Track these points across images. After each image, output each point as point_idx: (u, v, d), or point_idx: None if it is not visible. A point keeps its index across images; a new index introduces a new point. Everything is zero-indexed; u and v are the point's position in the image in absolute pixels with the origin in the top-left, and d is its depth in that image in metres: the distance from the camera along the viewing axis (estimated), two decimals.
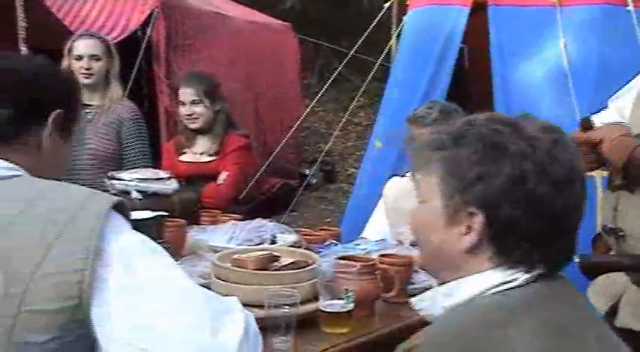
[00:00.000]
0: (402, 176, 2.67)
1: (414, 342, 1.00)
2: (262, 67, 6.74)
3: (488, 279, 1.02)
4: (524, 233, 1.00)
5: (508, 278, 1.02)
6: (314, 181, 7.40)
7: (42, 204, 1.04)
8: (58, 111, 1.21)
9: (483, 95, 4.20)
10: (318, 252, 2.06)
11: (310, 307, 1.68)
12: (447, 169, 1.03)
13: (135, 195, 2.41)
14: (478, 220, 1.01)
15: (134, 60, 4.77)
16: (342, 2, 10.24)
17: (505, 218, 1.00)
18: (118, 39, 4.70)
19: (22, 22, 3.77)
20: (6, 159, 1.14)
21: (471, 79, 5.10)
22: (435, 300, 1.08)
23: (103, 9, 5.27)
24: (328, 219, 6.21)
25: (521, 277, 1.02)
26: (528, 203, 0.99)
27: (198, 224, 2.46)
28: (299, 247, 2.12)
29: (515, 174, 0.99)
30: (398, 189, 2.66)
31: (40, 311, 0.98)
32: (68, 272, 0.98)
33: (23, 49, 3.77)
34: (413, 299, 1.13)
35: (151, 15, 5.09)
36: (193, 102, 3.05)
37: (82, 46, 2.97)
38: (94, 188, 1.16)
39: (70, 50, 2.99)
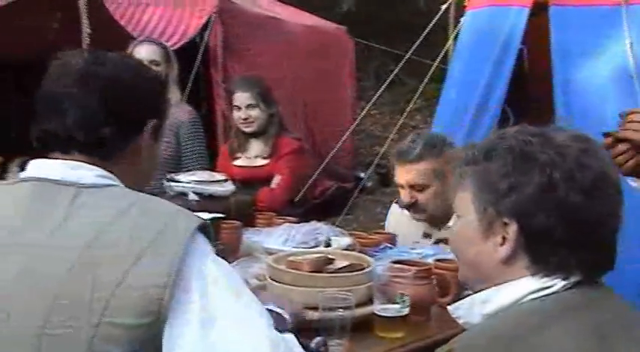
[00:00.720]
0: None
1: (451, 346, 1.01)
2: (317, 70, 6.76)
3: (524, 286, 1.03)
4: (558, 241, 1.01)
5: (545, 285, 1.02)
6: (369, 184, 7.36)
7: (133, 216, 1.07)
8: (154, 121, 1.25)
9: (543, 97, 4.11)
10: (372, 256, 2.04)
11: (365, 310, 1.66)
12: (480, 183, 1.05)
13: (192, 196, 2.45)
14: (512, 230, 1.02)
15: (192, 64, 4.85)
16: (398, 4, 10.18)
17: (538, 226, 1.01)
18: (177, 45, 4.80)
19: (86, 29, 3.88)
20: (102, 168, 1.16)
21: (530, 81, 4.98)
22: (472, 308, 1.08)
23: (163, 16, 5.39)
24: (383, 223, 6.16)
25: (559, 284, 1.02)
26: (560, 211, 1.00)
27: (253, 226, 2.47)
28: (353, 250, 2.10)
29: (545, 182, 1.00)
30: (396, 215, 2.63)
31: (120, 325, 1.00)
32: (151, 287, 1.01)
33: None
34: (450, 307, 1.14)
35: (208, 21, 5.17)
36: (249, 106, 3.08)
37: (143, 52, 3.04)
38: (152, 190, 1.18)
39: (130, 55, 3.06)
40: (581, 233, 1.01)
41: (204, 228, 1.11)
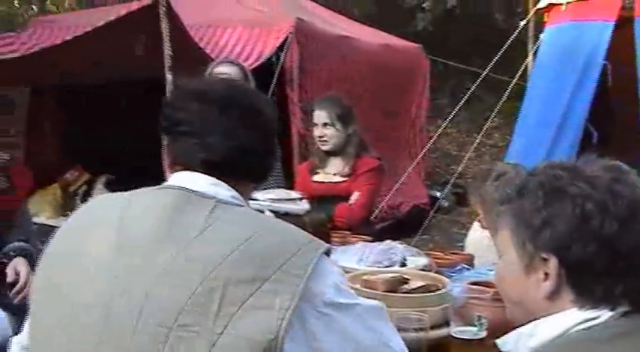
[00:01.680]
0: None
1: None
2: (393, 89, 6.74)
3: (571, 318, 1.02)
4: (600, 271, 1.01)
5: (591, 316, 1.01)
6: (445, 204, 7.25)
7: (264, 236, 1.12)
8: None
9: (628, 112, 3.95)
10: (449, 276, 2.00)
11: (441, 332, 1.63)
12: (516, 220, 1.07)
13: (268, 214, 2.47)
14: (552, 265, 1.03)
15: (268, 84, 4.93)
16: (474, 21, 10.07)
17: (577, 258, 1.02)
18: (254, 65, 4.89)
19: (168, 51, 4.02)
20: (235, 189, 1.22)
21: (614, 96, 4.80)
22: (519, 341, 1.08)
23: (241, 37, 5.52)
24: (460, 243, 6.04)
25: (606, 314, 1.01)
26: (597, 241, 1.01)
27: (329, 244, 2.47)
28: (429, 270, 2.07)
29: (578, 214, 1.01)
30: (476, 234, 2.56)
31: (241, 337, 1.04)
32: (274, 309, 1.04)
33: (168, 76, 4.02)
34: (498, 341, 1.15)
35: (284, 41, 5.26)
36: (325, 125, 3.10)
37: (221, 73, 3.11)
38: None
39: (209, 76, 3.14)
40: (622, 261, 1.01)
41: (328, 252, 1.16)
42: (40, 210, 6.01)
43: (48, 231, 1.29)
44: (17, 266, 2.36)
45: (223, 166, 1.22)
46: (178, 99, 1.27)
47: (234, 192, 1.22)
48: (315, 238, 1.17)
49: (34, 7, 12.02)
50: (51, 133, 6.73)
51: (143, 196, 1.21)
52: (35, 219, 5.94)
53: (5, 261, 2.41)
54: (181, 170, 1.23)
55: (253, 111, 1.26)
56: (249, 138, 1.23)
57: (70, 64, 5.15)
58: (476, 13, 9.98)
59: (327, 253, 1.16)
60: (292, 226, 1.21)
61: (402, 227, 5.75)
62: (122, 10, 4.78)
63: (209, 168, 1.22)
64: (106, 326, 1.10)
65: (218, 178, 1.22)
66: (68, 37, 5.03)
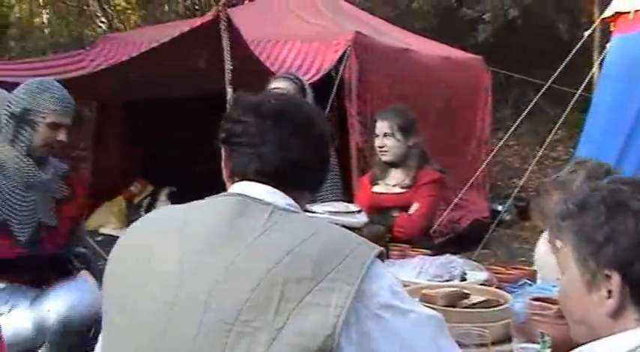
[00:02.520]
0: None
1: None
2: (453, 101, 6.67)
3: (634, 337, 0.99)
4: None
5: None
6: (507, 218, 7.10)
7: (320, 239, 1.15)
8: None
9: None
10: (510, 292, 1.96)
11: (503, 349, 1.59)
12: (577, 236, 1.06)
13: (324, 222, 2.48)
14: (615, 281, 1.01)
15: (328, 97, 4.96)
16: (537, 32, 9.88)
17: None
18: (314, 79, 4.93)
19: (228, 66, 4.10)
20: (291, 198, 1.27)
21: None
22: None
23: (300, 51, 5.57)
24: (522, 258, 5.90)
25: None
26: None
27: (387, 257, 2.45)
28: (490, 285, 2.03)
29: None
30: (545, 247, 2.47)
31: (299, 333, 1.07)
32: (330, 306, 1.07)
33: (229, 90, 4.09)
34: None
35: (343, 54, 5.28)
36: (385, 135, 3.10)
37: (277, 88, 3.14)
38: None
39: (267, 90, 3.19)
40: None
41: (381, 255, 1.17)
42: (106, 221, 6.21)
43: (113, 241, 1.35)
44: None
45: (277, 176, 1.26)
46: (235, 112, 1.32)
47: (290, 200, 1.26)
48: (368, 241, 1.19)
49: (102, 25, 12.48)
50: (116, 147, 6.95)
51: (204, 204, 1.27)
52: (101, 230, 6.14)
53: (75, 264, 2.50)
54: (239, 181, 1.29)
55: (306, 124, 1.30)
56: (302, 150, 1.27)
57: (135, 79, 5.31)
58: (538, 24, 9.78)
59: (381, 257, 1.17)
60: (346, 230, 1.24)
61: (463, 241, 5.66)
62: (185, 26, 4.91)
63: (263, 177, 1.26)
64: (170, 324, 1.15)
65: (274, 187, 1.26)
66: (134, 54, 5.20)
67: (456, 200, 5.41)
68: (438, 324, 1.19)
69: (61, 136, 2.41)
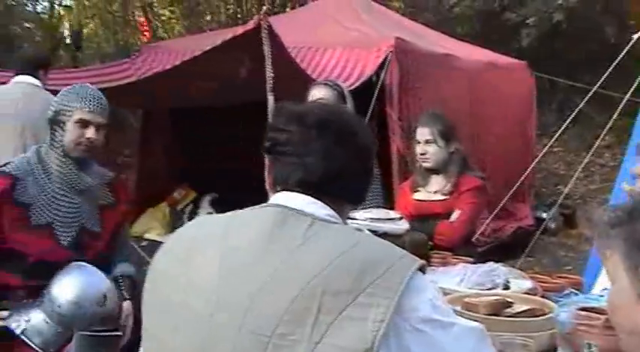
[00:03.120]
0: None
1: None
2: (496, 106, 6.58)
3: None
4: None
5: None
6: (552, 225, 6.97)
7: (360, 251, 1.14)
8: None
9: None
10: (555, 301, 1.91)
11: None
12: (627, 244, 1.02)
13: (366, 233, 2.47)
14: None
15: (369, 103, 4.95)
16: (582, 36, 9.68)
17: None
18: (355, 85, 4.93)
19: (269, 73, 4.13)
20: (331, 209, 1.27)
21: None
22: None
23: (341, 58, 5.58)
24: (568, 267, 5.78)
25: None
26: None
27: (428, 265, 2.43)
28: (534, 294, 1.99)
29: None
30: None
31: (337, 346, 1.06)
32: (369, 320, 1.06)
33: (270, 98, 4.12)
34: None
35: (384, 60, 5.27)
36: (427, 142, 3.08)
37: (317, 94, 3.15)
38: None
39: (307, 98, 3.19)
40: None
41: (422, 268, 1.16)
42: (150, 227, 6.30)
43: (157, 246, 1.37)
44: (125, 312, 2.48)
45: (320, 186, 1.26)
46: (279, 121, 1.32)
47: (330, 211, 1.26)
48: (409, 254, 1.18)
49: (146, 34, 12.72)
50: (160, 154, 7.06)
51: (244, 214, 1.27)
52: (146, 235, 6.24)
53: (116, 285, 2.52)
54: (281, 190, 1.29)
55: (350, 134, 1.30)
56: (345, 160, 1.27)
57: (179, 87, 5.40)
58: (584, 27, 9.58)
59: (422, 270, 1.16)
60: (387, 242, 1.23)
61: (506, 249, 5.57)
62: (227, 34, 4.96)
63: (306, 187, 1.26)
64: (209, 335, 1.15)
65: (315, 198, 1.25)
66: (177, 62, 5.29)
67: (499, 207, 5.32)
68: (481, 336, 1.18)
69: (90, 133, 2.40)
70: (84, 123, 2.40)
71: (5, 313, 2.31)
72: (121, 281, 2.56)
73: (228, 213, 1.30)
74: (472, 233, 3.13)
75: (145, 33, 12.28)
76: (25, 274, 2.38)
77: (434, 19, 10.04)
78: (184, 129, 6.93)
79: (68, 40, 11.85)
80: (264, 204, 1.28)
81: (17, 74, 4.39)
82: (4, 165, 2.49)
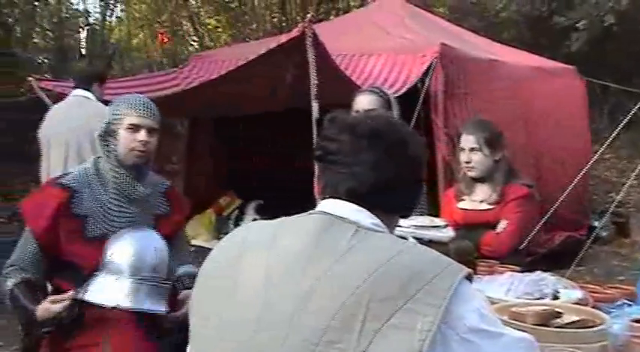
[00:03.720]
0: None
1: None
2: (544, 112, 6.45)
3: None
4: None
5: None
6: (604, 234, 6.78)
7: (406, 259, 1.14)
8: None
9: None
10: (607, 312, 1.86)
11: None
12: None
13: (411, 241, 2.44)
14: None
15: (414, 109, 4.91)
16: (635, 40, 9.42)
17: None
18: (400, 92, 4.90)
19: (314, 80, 4.14)
20: (378, 218, 1.27)
21: None
22: None
23: (386, 64, 5.56)
24: (621, 277, 5.61)
25: None
26: None
27: (474, 274, 2.39)
28: (585, 305, 1.94)
29: None
30: None
31: None
32: (416, 328, 1.06)
33: (315, 105, 4.13)
34: None
35: (429, 66, 5.22)
36: (472, 150, 3.02)
37: (363, 101, 3.13)
38: None
39: (352, 105, 3.18)
40: None
41: (469, 277, 1.15)
42: (197, 233, 6.38)
43: (204, 252, 1.39)
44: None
45: (369, 196, 1.26)
46: (331, 131, 1.33)
47: (376, 220, 1.26)
48: (455, 263, 1.17)
49: (194, 43, 12.95)
50: (207, 161, 7.16)
51: (290, 221, 1.29)
52: (193, 242, 6.32)
53: (178, 285, 2.54)
54: (329, 197, 1.30)
55: (400, 145, 1.30)
56: (395, 171, 1.28)
57: (225, 96, 5.47)
58: (636, 30, 9.33)
59: (469, 278, 1.15)
60: (433, 250, 1.22)
61: (555, 258, 5.44)
62: (272, 42, 5.00)
63: (355, 197, 1.26)
64: (255, 342, 1.16)
65: (363, 207, 1.26)
66: (223, 72, 5.35)
67: (548, 215, 5.21)
68: (530, 347, 1.15)
69: (141, 136, 2.42)
70: (135, 128, 2.42)
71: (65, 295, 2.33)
72: (184, 279, 2.55)
73: (275, 220, 1.31)
74: (520, 243, 3.05)
75: (165, 42, 12.45)
76: (78, 285, 2.39)
77: (479, 24, 9.93)
78: (229, 136, 7.01)
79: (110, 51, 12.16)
80: (311, 211, 1.29)
81: (74, 87, 4.65)
82: (65, 175, 2.53)
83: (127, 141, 2.43)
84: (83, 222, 2.41)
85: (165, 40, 12.39)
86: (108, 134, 2.47)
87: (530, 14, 9.94)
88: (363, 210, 1.25)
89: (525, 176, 3.35)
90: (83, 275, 2.39)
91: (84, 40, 13.00)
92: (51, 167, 4.56)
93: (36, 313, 2.31)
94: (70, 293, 2.30)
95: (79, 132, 4.40)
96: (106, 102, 4.50)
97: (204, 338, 1.27)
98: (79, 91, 4.60)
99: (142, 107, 2.44)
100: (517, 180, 3.07)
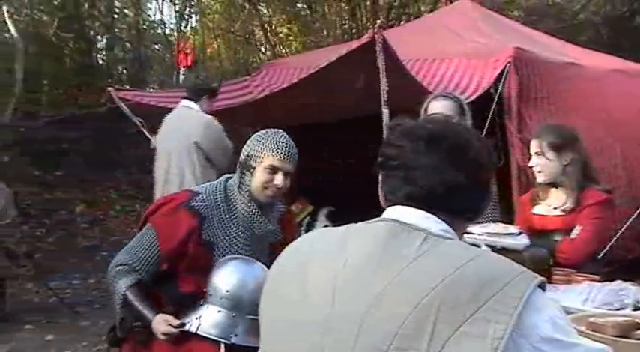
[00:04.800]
0: None
1: None
2: (629, 116, 6.19)
3: None
4: None
5: None
6: None
7: (477, 266, 1.13)
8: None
9: None
10: None
11: None
12: None
13: (484, 248, 2.40)
14: None
15: (487, 114, 4.83)
16: None
17: None
18: (473, 97, 4.83)
19: (384, 87, 4.13)
20: (446, 224, 1.26)
21: None
22: None
23: (458, 69, 5.48)
24: None
25: None
26: None
27: (550, 283, 2.33)
28: None
29: None
30: None
31: None
32: (487, 337, 1.04)
33: (385, 111, 4.13)
34: None
35: (502, 71, 5.12)
36: (537, 154, 2.94)
37: (437, 107, 3.11)
38: None
39: (425, 110, 3.16)
40: None
41: (542, 285, 1.13)
42: None
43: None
44: None
45: (428, 200, 1.25)
46: (392, 137, 1.32)
47: (445, 226, 1.24)
48: (528, 270, 1.14)
49: (267, 52, 13.18)
50: None
51: (358, 229, 1.28)
52: None
53: None
54: (392, 204, 1.29)
55: (460, 147, 1.27)
56: (456, 174, 1.25)
57: (296, 103, 5.53)
58: None
59: (542, 287, 1.12)
60: (503, 257, 1.19)
61: (637, 267, 5.22)
62: (342, 49, 5.03)
63: (415, 202, 1.25)
64: (324, 344, 1.17)
65: (429, 212, 1.24)
66: (294, 80, 5.42)
67: (630, 221, 5.00)
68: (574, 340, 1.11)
69: (277, 181, 2.43)
70: (273, 170, 2.43)
71: (175, 321, 2.35)
72: None
73: (341, 227, 1.32)
74: (597, 251, 2.94)
75: (186, 65, 12.49)
76: (174, 303, 2.45)
77: (555, 26, 9.67)
78: (300, 143, 7.07)
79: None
80: (378, 219, 1.28)
81: (183, 98, 4.91)
82: (194, 196, 2.50)
83: (262, 181, 2.44)
84: (211, 250, 2.45)
85: (189, 62, 12.44)
86: (245, 167, 2.47)
87: (610, 15, 9.62)
88: (431, 216, 1.24)
89: (613, 180, 3.21)
90: (181, 295, 2.44)
91: (161, 50, 13.44)
92: (156, 178, 4.83)
93: (152, 323, 2.37)
94: (179, 322, 2.34)
95: (180, 142, 4.66)
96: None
97: (273, 341, 1.28)
98: (185, 102, 4.84)
99: (284, 150, 2.45)
100: (595, 185, 2.96)
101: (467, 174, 1.26)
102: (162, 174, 4.73)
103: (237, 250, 2.47)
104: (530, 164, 2.99)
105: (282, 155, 2.43)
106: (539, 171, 2.94)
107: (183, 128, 4.65)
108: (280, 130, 2.53)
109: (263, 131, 2.53)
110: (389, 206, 1.30)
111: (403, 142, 1.28)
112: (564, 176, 2.89)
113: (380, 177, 1.34)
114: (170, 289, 2.49)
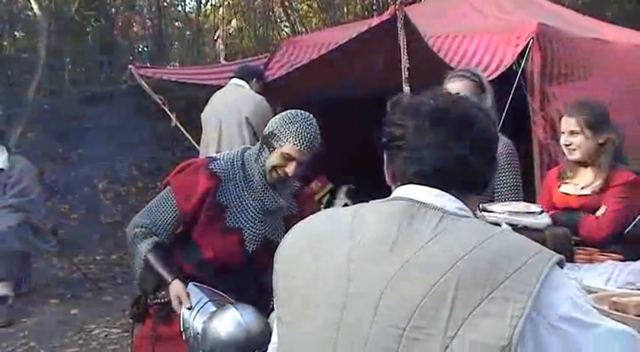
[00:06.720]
0: None
1: None
2: None
3: None
4: None
5: None
6: None
7: (494, 245, 1.12)
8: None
9: None
10: None
11: None
12: None
13: (505, 227, 2.39)
14: None
15: (509, 92, 4.77)
16: None
17: None
18: (495, 74, 4.77)
19: (405, 64, 4.10)
20: (460, 201, 1.25)
21: None
22: None
23: (479, 45, 5.41)
24: None
25: None
26: None
27: (572, 261, 2.32)
28: None
29: None
30: None
31: (474, 342, 1.05)
32: (506, 316, 1.04)
33: (406, 89, 4.09)
34: None
35: (525, 48, 5.05)
36: (572, 133, 2.89)
37: (455, 87, 3.06)
38: None
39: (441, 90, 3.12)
40: None
41: (560, 263, 1.12)
42: None
43: None
44: None
45: (436, 177, 1.23)
46: (394, 115, 1.31)
47: (459, 203, 1.23)
48: (546, 249, 1.13)
49: (286, 29, 13.10)
50: None
51: (372, 208, 1.27)
52: None
53: None
54: (401, 184, 1.27)
55: (465, 122, 1.25)
56: (461, 149, 1.23)
57: (317, 79, 5.50)
58: None
59: (561, 265, 1.11)
60: (521, 236, 1.18)
61: None
62: (363, 25, 4.99)
63: (423, 179, 1.24)
64: (340, 327, 1.16)
65: (441, 190, 1.23)
66: (314, 56, 5.39)
67: None
68: (628, 340, 1.10)
69: (289, 169, 2.47)
70: (289, 158, 2.47)
71: (188, 312, 2.43)
72: None
73: (355, 206, 1.30)
74: (622, 230, 2.90)
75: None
76: (199, 266, 2.54)
77: (580, 1, 9.49)
78: (321, 121, 7.05)
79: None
80: (391, 198, 1.27)
81: (233, 77, 5.33)
82: (215, 160, 2.61)
83: (274, 164, 2.49)
84: (223, 211, 2.54)
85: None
86: (266, 143, 2.51)
87: None
88: (444, 193, 1.23)
89: (633, 161, 3.15)
90: (203, 259, 2.54)
91: (181, 27, 13.41)
92: (208, 147, 5.18)
93: (169, 285, 2.49)
94: (187, 306, 2.44)
95: (231, 116, 5.03)
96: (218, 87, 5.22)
97: (288, 326, 1.27)
98: (236, 80, 5.24)
99: (306, 142, 2.47)
100: (625, 165, 2.91)
101: (473, 149, 1.24)
102: (214, 144, 5.07)
103: (249, 218, 2.55)
104: (563, 142, 2.94)
105: (303, 146, 2.46)
106: (574, 149, 2.88)
107: (236, 104, 5.01)
108: (310, 116, 2.55)
109: (294, 112, 2.54)
110: (398, 185, 1.28)
111: (406, 121, 1.26)
112: (598, 155, 2.85)
113: (385, 157, 1.33)
114: (193, 256, 2.57)
